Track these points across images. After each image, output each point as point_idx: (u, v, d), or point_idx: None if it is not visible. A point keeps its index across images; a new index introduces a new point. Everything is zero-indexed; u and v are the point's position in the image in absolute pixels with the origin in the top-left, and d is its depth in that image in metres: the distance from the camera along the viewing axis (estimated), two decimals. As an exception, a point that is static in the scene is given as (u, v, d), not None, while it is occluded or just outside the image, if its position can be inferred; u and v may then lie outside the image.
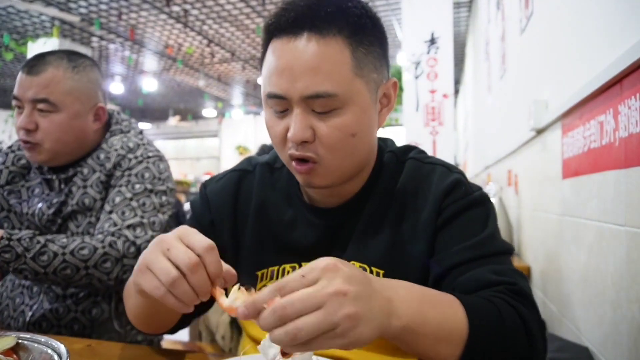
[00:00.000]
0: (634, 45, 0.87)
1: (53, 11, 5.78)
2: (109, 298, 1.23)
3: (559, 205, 1.50)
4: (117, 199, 1.16)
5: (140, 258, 0.60)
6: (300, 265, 0.79)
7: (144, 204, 1.17)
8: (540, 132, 1.79)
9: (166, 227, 1.26)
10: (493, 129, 3.59)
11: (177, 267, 0.56)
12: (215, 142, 14.81)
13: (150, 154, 1.25)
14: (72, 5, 5.84)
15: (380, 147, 0.83)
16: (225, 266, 0.61)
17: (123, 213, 1.14)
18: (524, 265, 2.03)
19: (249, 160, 0.91)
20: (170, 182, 1.26)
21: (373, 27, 0.72)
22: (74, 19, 6.02)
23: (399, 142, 0.91)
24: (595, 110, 1.13)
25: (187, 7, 5.97)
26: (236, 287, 0.57)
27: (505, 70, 2.84)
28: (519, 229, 2.31)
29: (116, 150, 1.23)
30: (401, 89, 3.81)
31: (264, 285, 0.79)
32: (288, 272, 0.80)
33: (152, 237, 1.15)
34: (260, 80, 0.75)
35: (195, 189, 12.89)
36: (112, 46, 7.51)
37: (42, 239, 1.04)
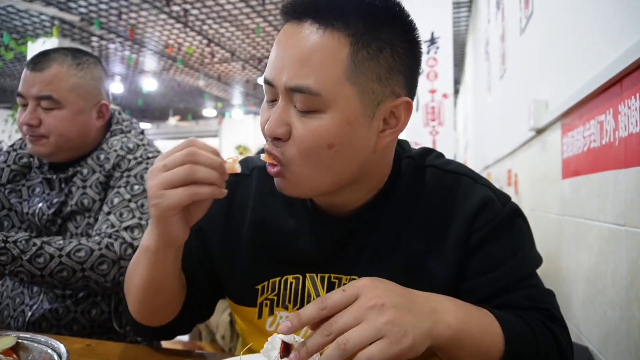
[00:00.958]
0: (633, 45, 0.87)
1: (53, 11, 5.77)
2: (108, 298, 1.23)
3: (559, 205, 1.50)
4: (116, 200, 1.16)
5: (149, 195, 0.61)
6: (303, 276, 0.74)
7: (142, 206, 1.16)
8: (540, 132, 1.79)
9: None
10: (493, 129, 3.59)
11: (182, 164, 0.59)
12: (215, 142, 14.80)
13: (150, 155, 1.24)
14: (72, 4, 5.83)
15: (398, 152, 0.75)
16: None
17: (121, 214, 1.14)
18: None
19: (245, 162, 0.79)
20: None
21: (392, 31, 0.61)
22: (73, 18, 6.02)
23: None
24: (595, 110, 1.13)
25: (187, 6, 5.96)
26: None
27: (505, 70, 2.84)
28: (518, 228, 2.30)
29: (115, 151, 1.23)
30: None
31: (265, 299, 0.76)
32: (291, 284, 0.75)
33: None
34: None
35: (195, 189, 12.88)
36: (112, 46, 7.50)
37: (38, 241, 1.03)
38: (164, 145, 15.43)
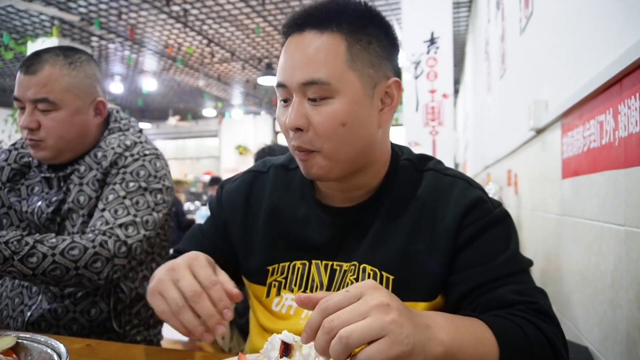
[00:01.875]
0: (633, 45, 0.87)
1: (53, 11, 5.77)
2: (107, 298, 1.23)
3: (559, 205, 1.50)
4: (111, 197, 1.16)
5: (154, 282, 0.67)
6: (310, 263, 0.84)
7: (137, 203, 1.16)
8: (540, 132, 1.79)
9: (162, 226, 1.26)
10: (493, 129, 3.59)
11: (183, 296, 0.64)
12: (215, 142, 14.80)
13: (147, 152, 1.24)
14: (72, 4, 5.83)
15: (396, 153, 0.85)
16: (230, 288, 0.67)
17: (116, 211, 1.13)
18: (524, 265, 2.02)
19: (264, 162, 0.95)
20: (166, 180, 1.24)
21: (375, 27, 0.76)
22: (73, 18, 6.02)
23: (399, 142, 0.91)
24: (595, 110, 1.13)
25: (187, 6, 5.96)
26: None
27: (505, 70, 2.84)
28: (518, 228, 2.31)
29: (113, 148, 1.22)
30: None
31: (274, 280, 0.86)
32: (298, 269, 0.84)
33: (145, 236, 1.14)
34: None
35: (195, 189, 12.90)
36: (111, 46, 7.50)
37: (30, 240, 1.02)
38: (164, 145, 15.45)
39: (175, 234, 4.93)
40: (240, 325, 1.86)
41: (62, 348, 0.64)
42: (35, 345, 0.66)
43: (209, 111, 12.61)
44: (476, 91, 5.39)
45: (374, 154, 0.80)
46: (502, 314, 0.66)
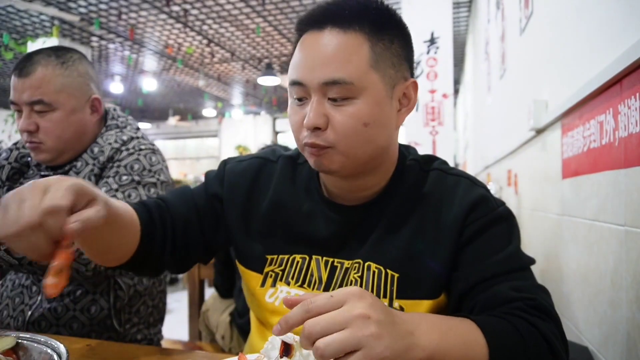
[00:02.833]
0: (634, 45, 0.86)
1: (53, 11, 5.77)
2: (107, 295, 1.23)
3: (559, 205, 1.50)
4: (103, 190, 1.16)
5: (10, 193, 0.60)
6: (310, 258, 0.83)
7: (129, 196, 1.16)
8: (540, 132, 1.79)
9: None
10: (493, 129, 3.59)
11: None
12: (215, 142, 14.81)
13: (143, 147, 1.25)
14: (72, 4, 5.83)
15: (402, 153, 0.85)
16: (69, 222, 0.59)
17: None
18: (524, 265, 2.02)
19: (273, 151, 0.94)
20: (162, 174, 1.24)
21: (395, 28, 0.76)
22: (73, 18, 6.02)
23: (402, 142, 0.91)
24: (595, 110, 1.13)
25: (187, 7, 5.96)
26: None
27: (505, 70, 2.84)
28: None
29: (110, 144, 1.23)
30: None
31: (272, 270, 0.85)
32: (297, 262, 0.83)
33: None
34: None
35: (195, 189, 12.87)
36: (111, 46, 7.50)
37: None
38: (164, 145, 15.45)
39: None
40: (240, 325, 1.86)
41: (62, 348, 0.64)
42: (35, 345, 0.66)
43: (209, 111, 12.61)
44: (476, 91, 5.39)
45: (387, 154, 0.80)
46: (497, 313, 0.66)
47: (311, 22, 0.74)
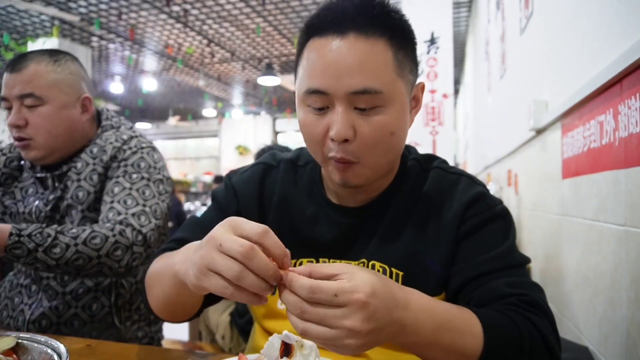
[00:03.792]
0: (633, 45, 0.87)
1: (53, 11, 5.77)
2: (108, 293, 1.23)
3: (559, 205, 1.50)
4: (116, 189, 1.17)
5: (197, 259, 0.57)
6: (317, 261, 0.82)
7: (144, 193, 1.18)
8: (540, 132, 1.79)
9: (165, 216, 1.27)
10: (493, 129, 3.59)
11: (236, 260, 0.54)
12: (215, 142, 14.80)
13: (144, 145, 1.27)
14: (72, 4, 5.83)
15: (403, 153, 0.85)
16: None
17: (125, 202, 1.15)
18: (524, 265, 2.02)
19: (273, 155, 0.93)
20: (165, 171, 1.28)
21: (409, 32, 0.75)
22: (73, 18, 6.02)
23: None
24: (595, 110, 1.13)
25: (187, 7, 5.96)
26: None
27: (505, 70, 2.84)
28: (518, 228, 2.31)
29: (111, 143, 1.24)
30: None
31: None
32: None
33: (157, 225, 1.16)
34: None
35: (195, 189, 12.89)
36: (111, 46, 7.50)
37: (52, 232, 1.04)
38: (164, 145, 15.42)
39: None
40: (240, 325, 1.86)
41: (62, 348, 0.64)
42: (36, 345, 0.66)
43: (209, 111, 12.61)
44: (476, 91, 5.39)
45: (398, 157, 0.81)
46: (494, 307, 0.67)
47: (328, 26, 0.69)
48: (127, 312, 1.28)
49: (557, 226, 1.53)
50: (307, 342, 0.60)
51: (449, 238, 0.77)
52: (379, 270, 0.78)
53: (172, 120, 12.76)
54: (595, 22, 1.16)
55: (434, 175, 0.83)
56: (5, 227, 1.01)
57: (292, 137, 13.69)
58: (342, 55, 0.68)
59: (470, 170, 6.13)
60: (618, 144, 0.98)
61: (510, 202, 2.57)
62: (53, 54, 1.22)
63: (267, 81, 7.94)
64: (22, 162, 1.30)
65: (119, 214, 1.13)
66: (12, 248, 1.00)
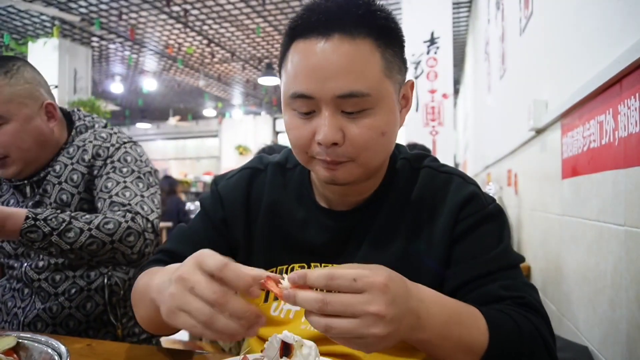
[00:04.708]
0: (633, 45, 0.87)
1: (53, 11, 5.77)
2: (102, 291, 1.23)
3: (559, 205, 1.51)
4: (110, 185, 1.17)
5: (167, 299, 0.56)
6: (308, 266, 0.80)
7: (138, 185, 1.19)
8: (539, 132, 1.79)
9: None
10: (493, 128, 3.59)
11: (207, 302, 0.53)
12: (215, 142, 14.79)
13: (125, 140, 1.26)
14: (72, 5, 5.83)
15: (394, 153, 0.83)
16: (254, 272, 0.57)
17: (124, 194, 1.15)
18: (524, 265, 2.03)
19: (260, 158, 0.91)
20: (151, 163, 1.28)
21: (396, 30, 0.73)
22: (74, 18, 6.02)
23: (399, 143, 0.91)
24: (595, 110, 1.13)
25: (187, 7, 5.96)
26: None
27: (505, 70, 2.84)
28: (518, 228, 2.31)
29: (91, 142, 1.23)
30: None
31: None
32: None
33: (158, 214, 1.17)
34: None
35: (195, 189, 12.88)
36: (112, 46, 7.50)
37: (66, 217, 1.04)
38: (164, 145, 15.40)
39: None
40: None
41: (62, 348, 0.64)
42: (36, 345, 0.66)
43: (209, 111, 12.61)
44: (476, 91, 5.39)
45: (388, 157, 0.80)
46: (494, 307, 0.67)
47: (312, 28, 0.67)
48: (123, 308, 1.28)
49: (557, 226, 1.53)
50: (307, 342, 0.60)
51: (443, 238, 0.76)
52: None
53: (172, 121, 12.76)
54: (594, 22, 1.16)
55: (424, 174, 0.81)
56: (21, 211, 1.01)
57: (292, 137, 13.65)
58: (327, 57, 0.66)
59: (470, 170, 6.13)
60: (618, 144, 0.98)
61: (510, 202, 2.57)
62: (2, 64, 1.16)
63: (267, 81, 7.94)
64: None
65: (123, 205, 1.13)
66: (27, 232, 1.00)
